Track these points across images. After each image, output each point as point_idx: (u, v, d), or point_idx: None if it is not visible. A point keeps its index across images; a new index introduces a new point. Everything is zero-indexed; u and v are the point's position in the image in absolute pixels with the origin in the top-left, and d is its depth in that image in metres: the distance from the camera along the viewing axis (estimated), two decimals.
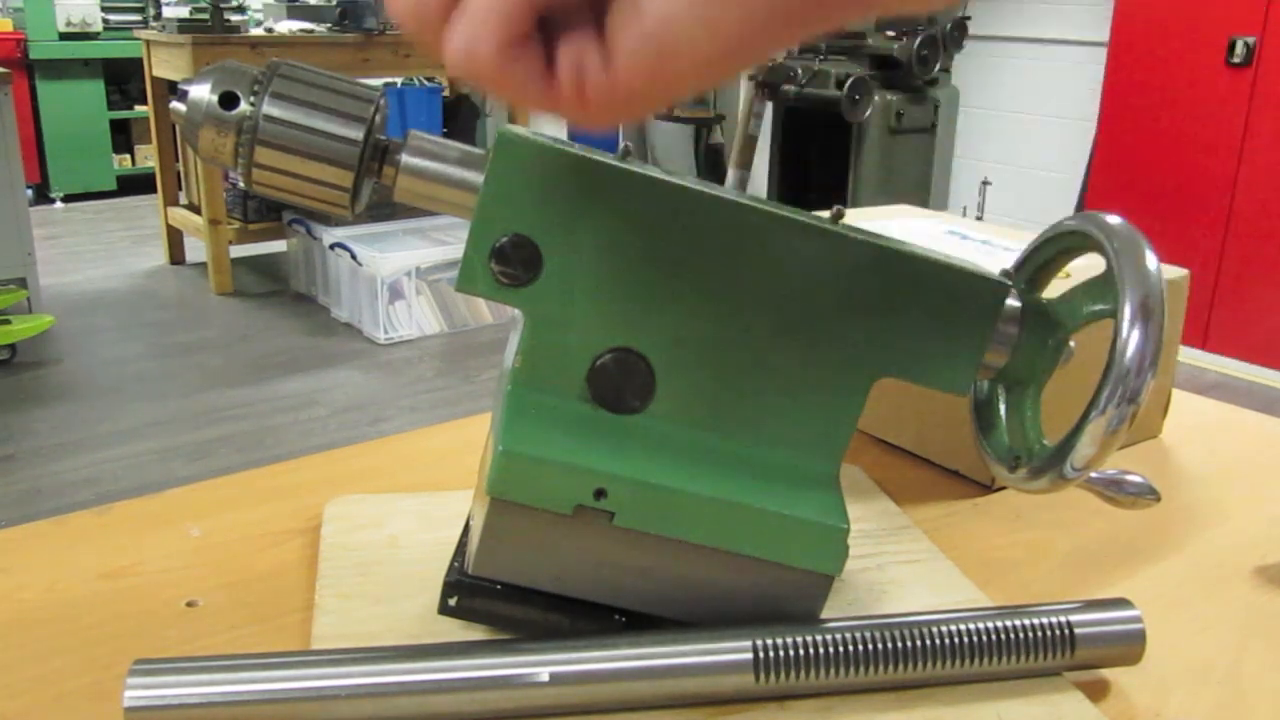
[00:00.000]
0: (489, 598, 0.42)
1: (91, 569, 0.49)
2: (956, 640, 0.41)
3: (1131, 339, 0.38)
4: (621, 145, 0.41)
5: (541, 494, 0.39)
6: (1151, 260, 0.39)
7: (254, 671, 0.38)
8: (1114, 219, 0.42)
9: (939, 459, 0.64)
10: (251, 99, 0.37)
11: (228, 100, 0.37)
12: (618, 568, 0.41)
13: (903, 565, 0.51)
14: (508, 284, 0.39)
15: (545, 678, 0.38)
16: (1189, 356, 3.34)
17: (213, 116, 0.37)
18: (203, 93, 0.37)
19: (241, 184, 0.39)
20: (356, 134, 0.37)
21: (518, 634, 0.42)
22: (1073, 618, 0.43)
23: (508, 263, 0.38)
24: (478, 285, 0.39)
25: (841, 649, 0.40)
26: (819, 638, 0.40)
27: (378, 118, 0.38)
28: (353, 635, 0.44)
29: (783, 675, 0.40)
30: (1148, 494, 0.44)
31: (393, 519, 0.53)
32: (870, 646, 0.40)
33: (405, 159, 0.39)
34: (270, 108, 0.37)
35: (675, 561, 0.41)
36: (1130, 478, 0.45)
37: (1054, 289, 0.46)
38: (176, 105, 0.38)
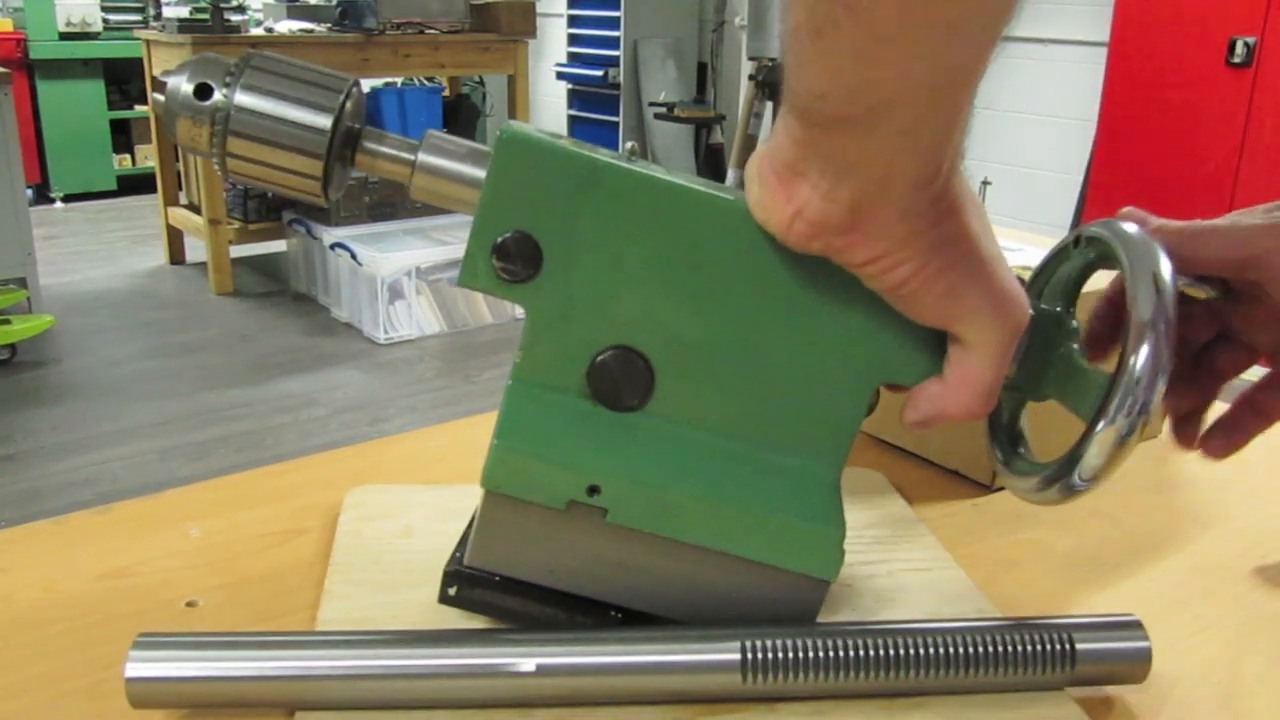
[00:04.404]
0: (487, 589, 0.42)
1: (91, 569, 0.49)
2: (949, 650, 0.40)
3: (1142, 348, 0.37)
4: (627, 145, 0.41)
5: (535, 488, 0.39)
6: (1165, 268, 0.39)
7: (251, 650, 0.39)
8: (1130, 226, 0.42)
9: (939, 459, 0.64)
10: (225, 90, 0.38)
11: (202, 91, 0.38)
12: (611, 564, 0.41)
13: (912, 573, 0.51)
14: (508, 280, 0.39)
15: (531, 668, 0.39)
16: None
17: (188, 107, 0.38)
18: (179, 83, 0.38)
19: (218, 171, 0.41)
20: (325, 123, 0.38)
21: (515, 626, 0.43)
22: (1075, 633, 0.41)
23: (509, 259, 0.38)
24: (479, 281, 0.39)
25: (831, 653, 0.40)
26: (808, 641, 0.40)
27: (348, 105, 0.39)
28: (356, 620, 0.44)
29: (771, 677, 0.39)
30: (1220, 288, 0.46)
31: (409, 509, 0.53)
32: (860, 652, 0.40)
33: (421, 158, 0.39)
34: (241, 98, 0.38)
35: (668, 560, 0.41)
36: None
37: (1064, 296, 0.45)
38: (156, 96, 0.39)
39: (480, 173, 0.39)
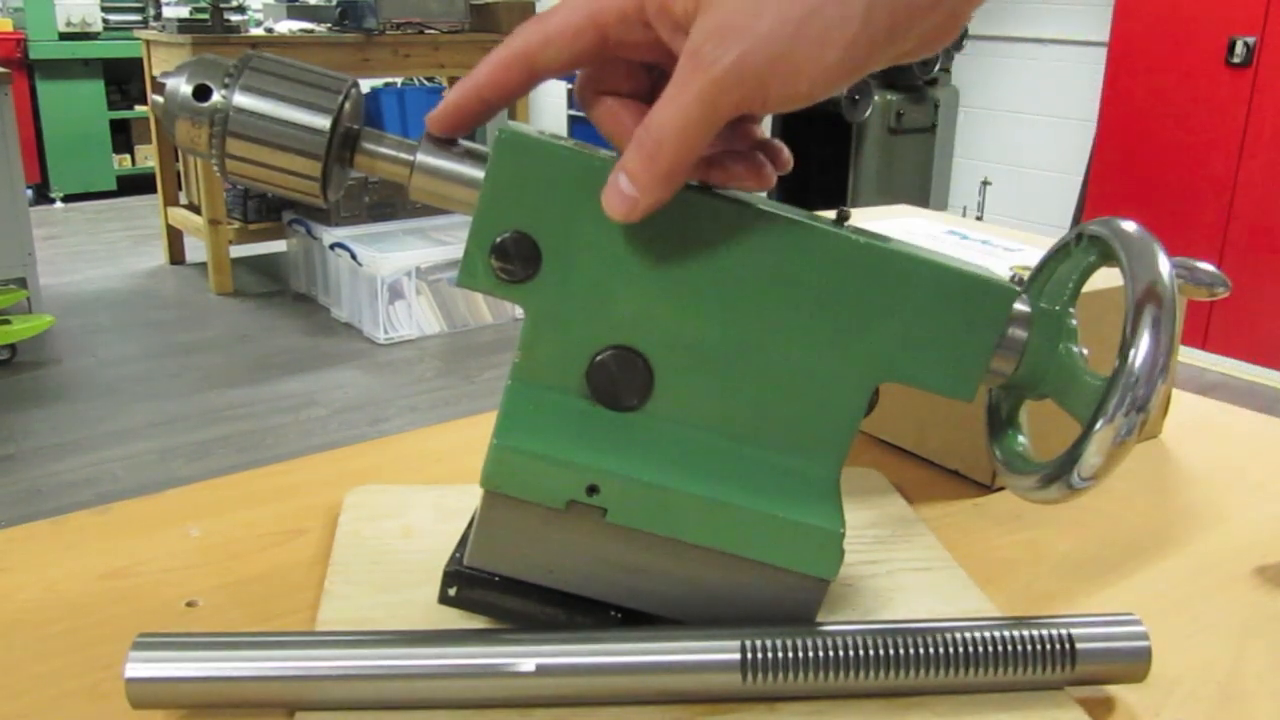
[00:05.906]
0: (487, 589, 0.42)
1: (91, 569, 0.49)
2: (949, 650, 0.40)
3: (1141, 346, 0.37)
4: None
5: (534, 488, 0.39)
6: (1165, 266, 0.39)
7: (251, 650, 0.39)
8: (1129, 224, 0.41)
9: (939, 459, 0.64)
10: (223, 91, 0.38)
11: (201, 92, 0.38)
12: (611, 564, 0.41)
13: (912, 573, 0.51)
14: (507, 280, 0.39)
15: (531, 668, 0.39)
16: (1189, 356, 3.34)
17: (187, 108, 0.38)
18: (178, 85, 0.38)
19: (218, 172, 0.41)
20: (323, 124, 0.38)
21: (515, 626, 0.42)
22: (1075, 631, 0.41)
23: (507, 259, 0.39)
24: (478, 281, 0.39)
25: (831, 653, 0.40)
26: (808, 640, 0.40)
27: (347, 106, 0.39)
28: (356, 620, 0.44)
29: (771, 676, 0.39)
30: (1220, 285, 0.42)
31: (410, 509, 0.53)
32: (860, 652, 0.40)
33: (419, 158, 0.39)
34: (240, 99, 0.38)
35: (668, 560, 0.41)
36: (1201, 265, 0.43)
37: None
38: (155, 97, 0.39)
39: (479, 173, 0.39)
